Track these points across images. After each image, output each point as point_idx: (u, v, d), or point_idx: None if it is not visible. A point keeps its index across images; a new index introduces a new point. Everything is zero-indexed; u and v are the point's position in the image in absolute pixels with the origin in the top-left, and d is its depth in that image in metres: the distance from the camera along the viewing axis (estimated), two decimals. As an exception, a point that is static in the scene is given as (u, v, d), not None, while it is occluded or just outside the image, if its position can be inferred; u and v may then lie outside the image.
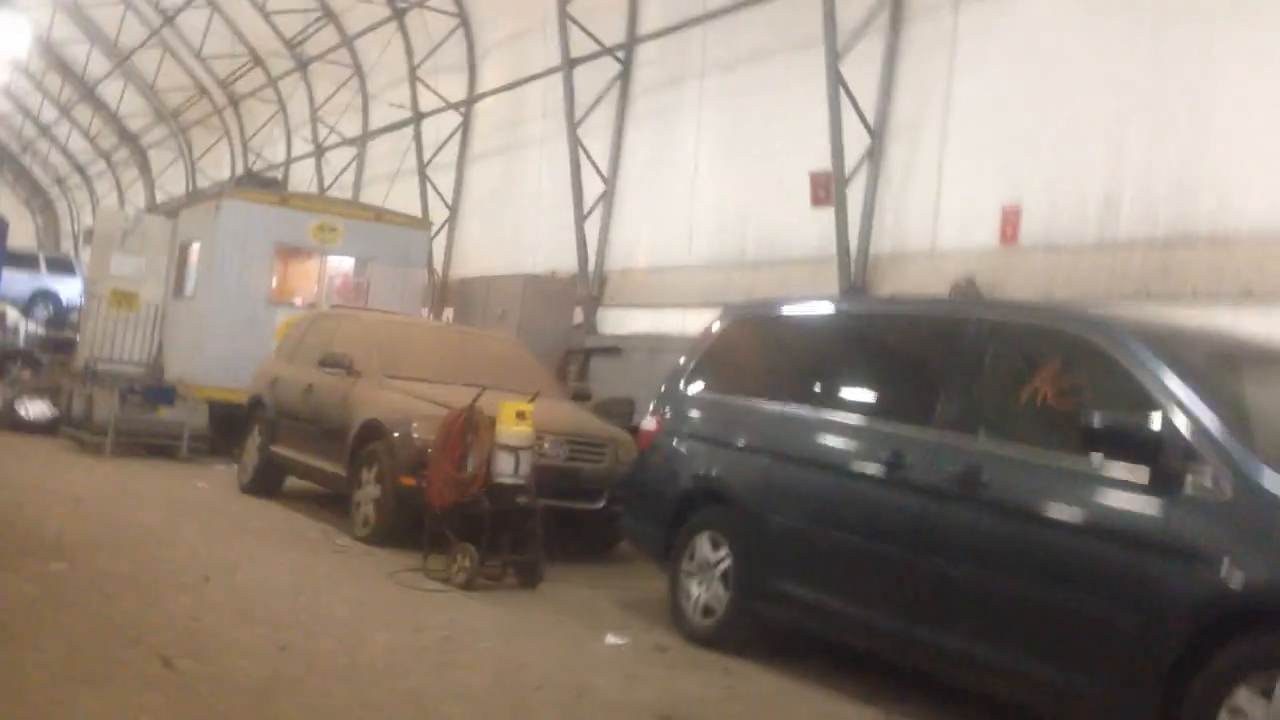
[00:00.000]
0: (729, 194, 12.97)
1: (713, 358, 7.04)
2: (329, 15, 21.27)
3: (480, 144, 18.35)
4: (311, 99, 22.59)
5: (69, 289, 30.90)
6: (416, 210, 18.00)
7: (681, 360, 7.40)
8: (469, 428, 7.64)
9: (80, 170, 39.36)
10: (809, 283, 11.65)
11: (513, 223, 17.14)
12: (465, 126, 18.53)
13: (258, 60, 24.81)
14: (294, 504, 10.44)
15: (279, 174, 25.76)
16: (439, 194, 18.70)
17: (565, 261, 15.56)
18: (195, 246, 15.82)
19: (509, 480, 7.52)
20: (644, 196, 14.47)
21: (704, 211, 13.37)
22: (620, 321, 14.61)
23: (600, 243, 14.89)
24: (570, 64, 14.88)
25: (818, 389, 6.03)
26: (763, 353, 6.81)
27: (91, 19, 28.63)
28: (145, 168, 34.88)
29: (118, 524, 8.50)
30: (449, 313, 16.64)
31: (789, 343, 6.57)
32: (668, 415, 7.11)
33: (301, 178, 25.29)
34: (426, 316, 15.56)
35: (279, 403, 10.78)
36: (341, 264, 15.88)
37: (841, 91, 10.84)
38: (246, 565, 7.39)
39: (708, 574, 6.37)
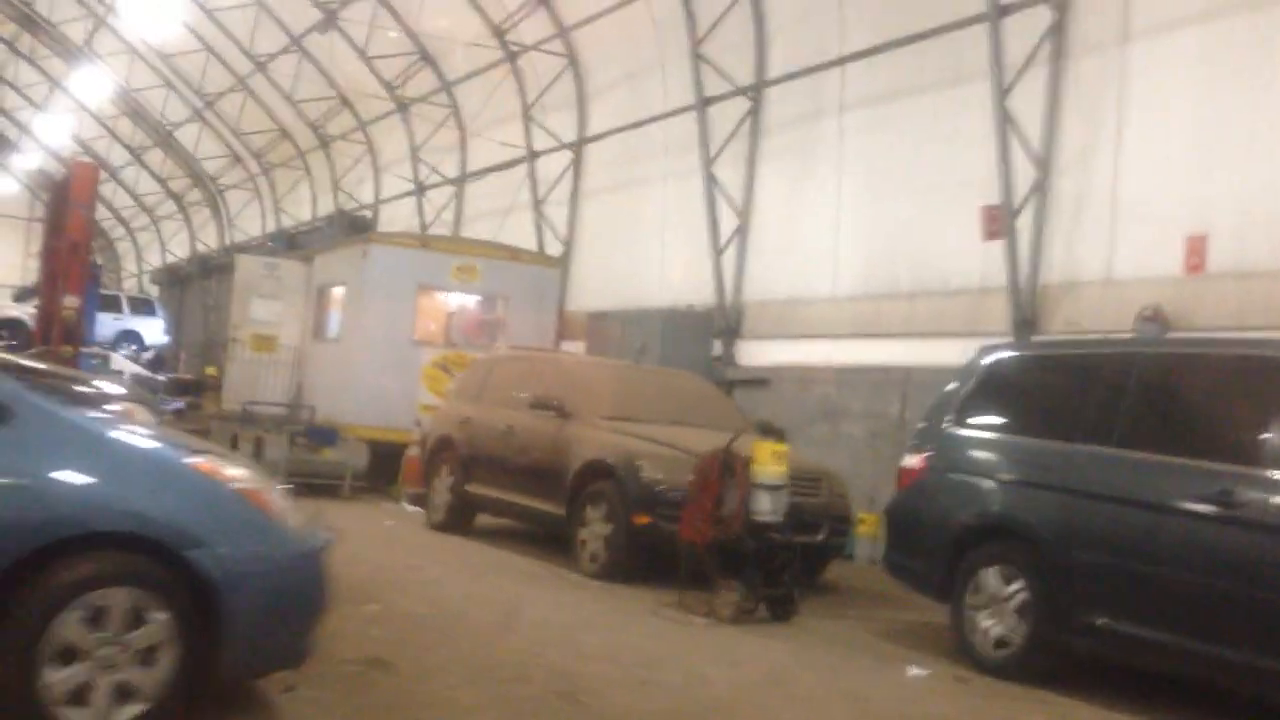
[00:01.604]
0: (877, 226, 13.25)
1: (980, 396, 7.29)
2: (427, 59, 21.72)
3: (593, 180, 18.70)
4: (412, 139, 23.00)
5: (151, 330, 31.56)
6: (530, 246, 18.37)
7: (941, 399, 7.65)
8: (726, 468, 7.93)
9: (148, 212, 40.01)
10: (970, 315, 11.92)
11: (633, 257, 17.44)
12: (577, 163, 18.89)
13: (346, 103, 25.29)
14: (491, 540, 10.76)
15: (369, 214, 26.34)
16: (552, 230, 19.05)
17: (692, 294, 15.85)
18: (337, 290, 16.26)
19: (768, 518, 7.83)
20: (780, 230, 14.76)
21: (849, 244, 13.65)
22: (759, 353, 14.89)
23: (736, 276, 15.19)
24: (704, 102, 15.22)
25: (1120, 427, 6.28)
26: (1045, 391, 7.08)
27: (175, 67, 29.23)
28: (217, 209, 35.49)
29: (366, 563, 8.82)
30: (574, 347, 16.96)
31: (1079, 382, 6.82)
32: (933, 453, 7.38)
33: (388, 217, 25.77)
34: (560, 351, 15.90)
35: (472, 443, 11.12)
36: (464, 302, 16.30)
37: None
38: (522, 604, 7.68)
39: (999, 607, 6.63)
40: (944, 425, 7.39)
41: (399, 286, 15.17)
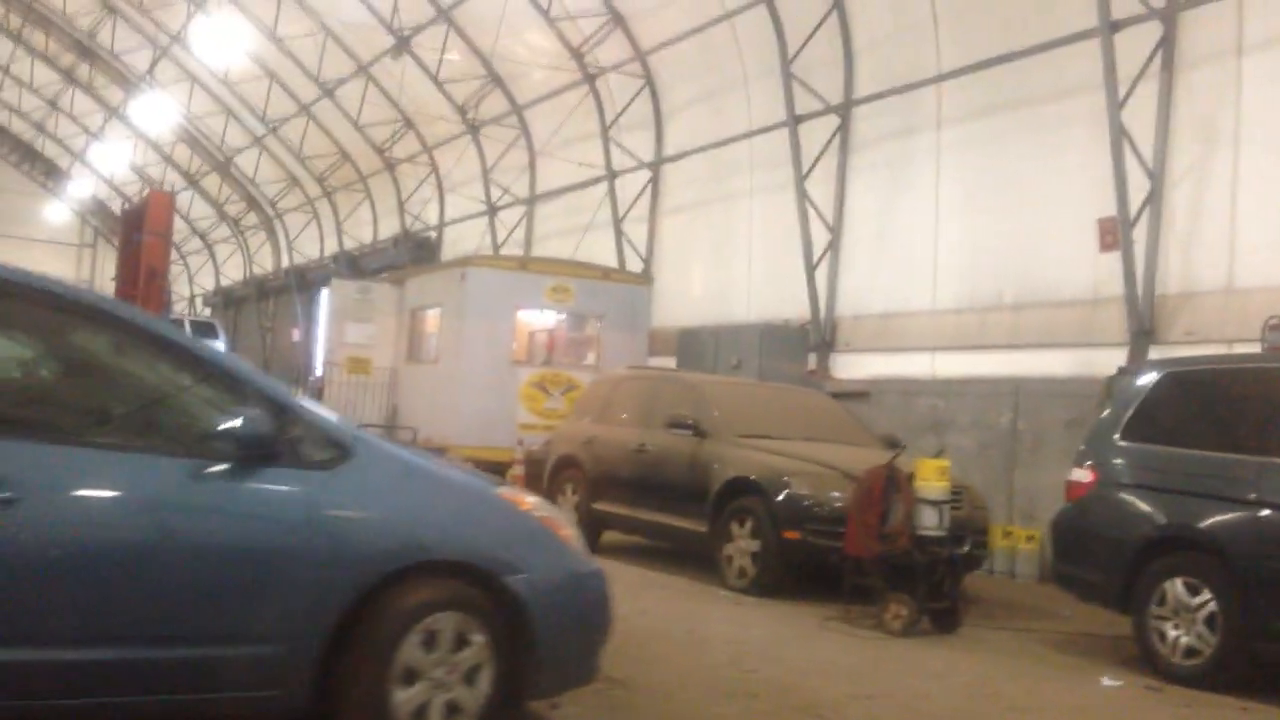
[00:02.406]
0: (979, 239, 13.42)
1: (1151, 411, 7.45)
2: (497, 81, 22.03)
3: (673, 198, 18.95)
4: (484, 161, 23.32)
5: (213, 353, 31.96)
6: (608, 264, 18.60)
7: (1106, 413, 7.81)
8: (890, 484, 8.13)
9: (201, 236, 40.53)
10: (1083, 326, 12.10)
11: (717, 273, 17.67)
12: (655, 181, 19.14)
13: (411, 126, 25.64)
14: (621, 557, 10.95)
15: (434, 235, 26.68)
16: (633, 248, 19.30)
17: (781, 309, 16.07)
18: (432, 313, 16.56)
19: (934, 532, 8.02)
20: (874, 244, 14.96)
21: (948, 256, 13.83)
22: (854, 366, 15.08)
23: (829, 290, 15.39)
24: (795, 120, 15.45)
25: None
26: (1223, 405, 7.25)
27: (238, 93, 29.67)
28: (274, 232, 35.93)
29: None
30: (663, 363, 17.16)
31: (1261, 395, 6.99)
32: (1102, 467, 7.55)
33: (453, 238, 26.09)
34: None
35: (599, 462, 11.34)
36: (559, 322, 16.56)
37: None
38: (695, 620, 7.88)
39: (1187, 618, 6.80)
40: (1114, 439, 7.55)
41: (496, 308, 15.46)
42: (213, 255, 40.95)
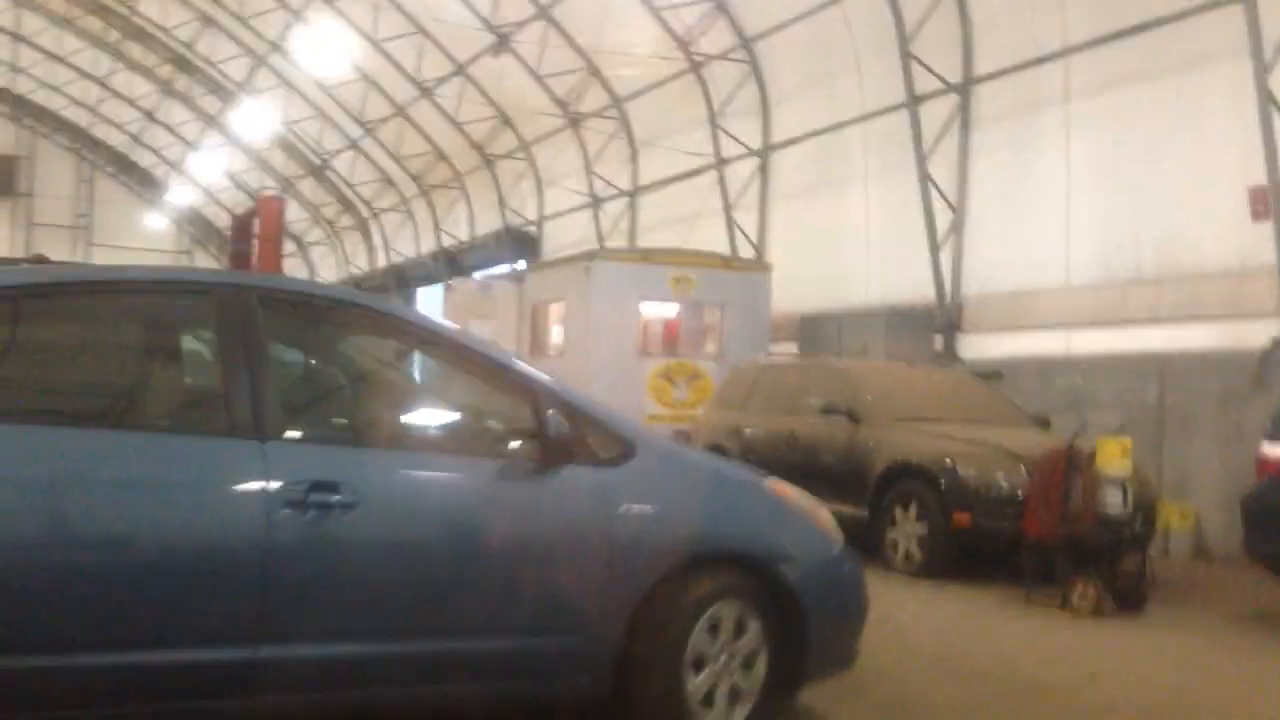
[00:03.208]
0: (1114, 213, 13.27)
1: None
2: (596, 74, 22.19)
3: (783, 183, 18.97)
4: (585, 153, 23.52)
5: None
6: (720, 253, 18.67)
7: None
8: (1071, 466, 8.13)
9: (295, 239, 41.32)
10: (1231, 298, 11.90)
11: (833, 257, 17.63)
12: (764, 168, 19.17)
13: (508, 122, 25.92)
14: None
15: (534, 230, 26.97)
16: (744, 235, 19.36)
17: (902, 292, 16.02)
18: (556, 307, 16.77)
19: (1117, 512, 8.01)
20: (1000, 222, 14.86)
21: (1081, 232, 13.69)
22: (982, 346, 14.99)
23: (954, 271, 15.33)
24: (915, 100, 15.39)
25: None
26: None
27: (334, 96, 30.20)
28: (368, 233, 36.56)
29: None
30: (783, 349, 17.21)
31: None
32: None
33: (552, 231, 26.35)
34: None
35: (749, 450, 11.42)
36: (683, 312, 16.67)
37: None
38: (877, 603, 7.95)
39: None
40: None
41: (621, 300, 15.59)
42: (307, 258, 41.76)
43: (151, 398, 3.91)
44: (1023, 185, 14.55)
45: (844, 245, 17.49)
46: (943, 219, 15.36)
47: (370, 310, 4.26)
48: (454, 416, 4.31)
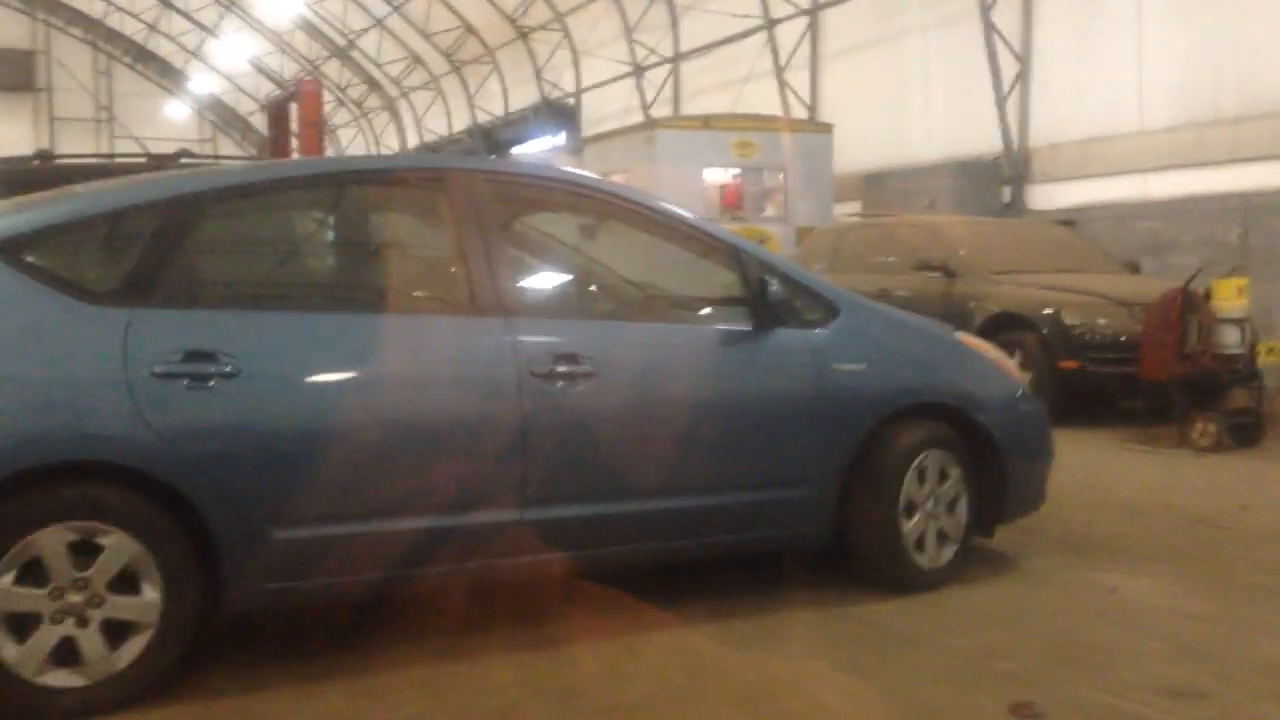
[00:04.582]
0: (1190, 52, 13.06)
1: None
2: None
3: (836, 41, 18.67)
4: (625, 20, 23.13)
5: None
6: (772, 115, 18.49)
7: None
8: (1187, 306, 8.23)
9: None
10: (1316, 134, 11.83)
11: (892, 114, 17.45)
12: (814, 26, 18.85)
13: (542, -9, 25.45)
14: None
15: (572, 101, 26.65)
16: (797, 96, 19.15)
17: (966, 145, 15.91)
18: (618, 178, 16.72)
19: (1234, 350, 8.14)
20: (1068, 69, 14.66)
21: (1155, 74, 13.51)
22: (1054, 196, 14.95)
23: (1020, 121, 15.19)
24: (978, -53, 15.06)
25: None
26: None
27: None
28: (396, 113, 36.21)
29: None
30: (848, 209, 17.18)
31: None
32: None
33: (591, 102, 26.04)
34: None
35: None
36: (745, 176, 16.63)
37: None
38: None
39: None
40: None
41: (684, 167, 15.55)
42: (335, 140, 41.44)
43: (405, 282, 4.04)
44: (1092, 29, 14.32)
45: (903, 101, 17.30)
46: (1007, 68, 15.16)
47: (589, 188, 4.35)
48: (674, 287, 4.44)
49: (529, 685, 3.58)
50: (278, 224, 4.02)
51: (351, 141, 40.58)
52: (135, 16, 40.17)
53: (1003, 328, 9.78)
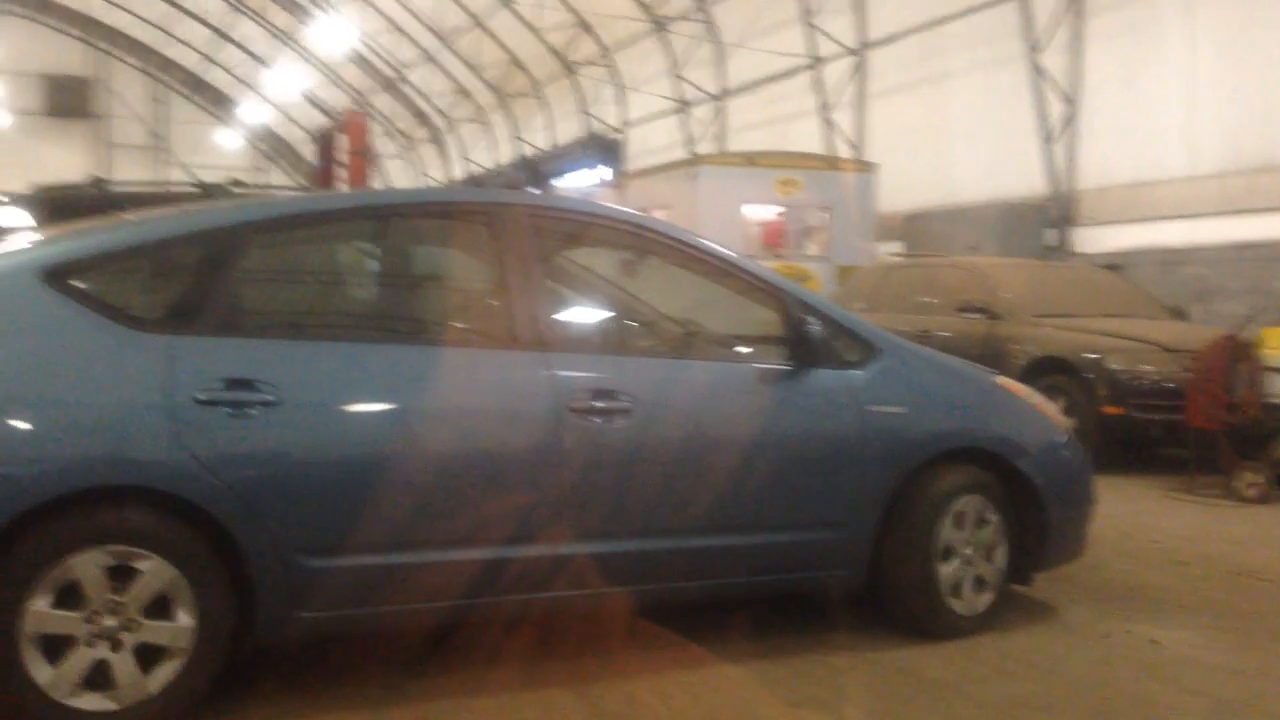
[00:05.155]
0: (1242, 98, 12.96)
1: None
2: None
3: (882, 81, 18.69)
4: (674, 56, 23.29)
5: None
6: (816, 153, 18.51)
7: None
8: (1235, 354, 8.11)
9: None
10: (1369, 180, 11.69)
11: (937, 154, 17.45)
12: (861, 66, 18.89)
13: (588, 28, 25.68)
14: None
15: (619, 137, 26.83)
16: (842, 135, 19.16)
17: (1011, 187, 15.85)
18: (659, 214, 16.78)
19: (1282, 400, 8.01)
20: (1117, 113, 14.58)
21: (1205, 120, 13.41)
22: (1100, 240, 14.84)
23: (1067, 164, 15.11)
24: (1027, -10, 15.07)
25: None
26: None
27: (409, 7, 30.05)
28: (443, 145, 36.60)
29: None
30: (890, 248, 17.13)
31: None
32: None
33: (637, 138, 26.19)
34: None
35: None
36: (788, 214, 16.64)
37: None
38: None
39: None
40: None
41: (727, 204, 15.58)
42: (382, 171, 41.94)
43: (447, 315, 4.07)
44: (1142, 73, 14.25)
45: (948, 142, 17.29)
46: (1055, 110, 15.11)
47: (632, 225, 4.37)
48: (713, 325, 4.44)
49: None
50: (321, 255, 4.07)
51: (399, 172, 41.04)
52: (190, 47, 40.99)
53: (1045, 372, 9.69)
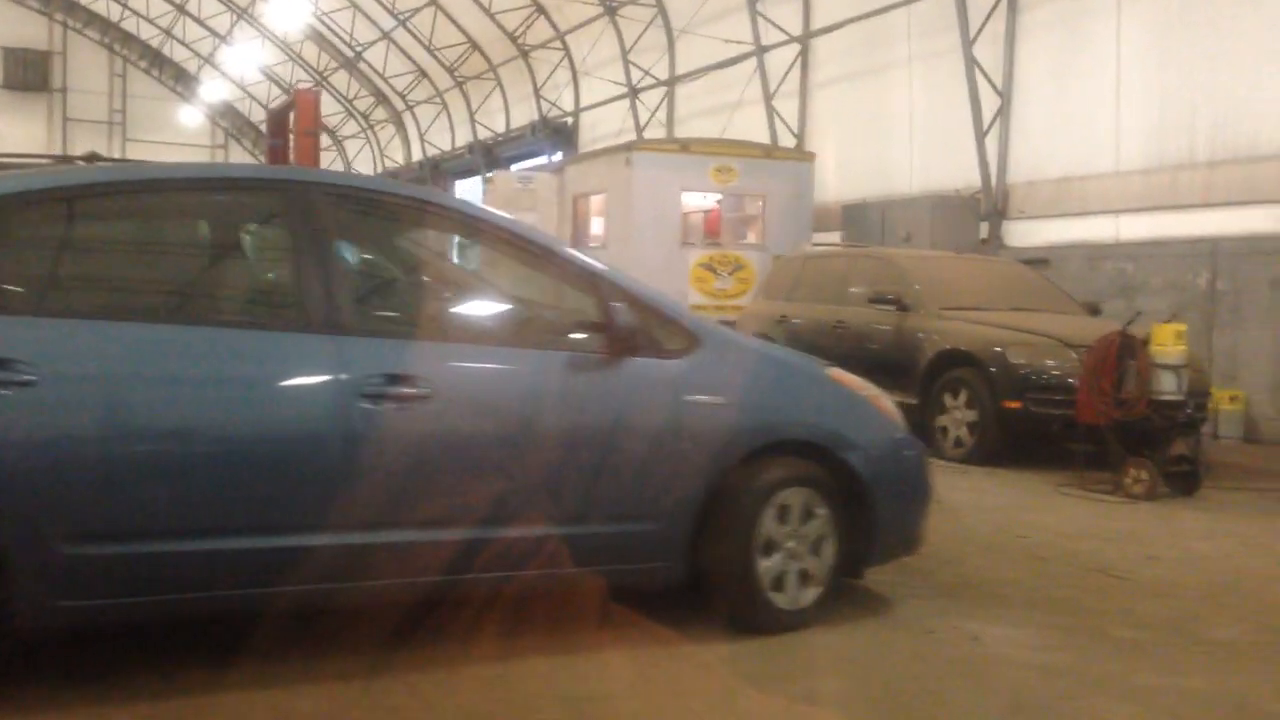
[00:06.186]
0: (1167, 96, 12.96)
1: None
2: (632, -41, 21.73)
3: (825, 71, 18.61)
4: (622, 42, 23.14)
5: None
6: (758, 141, 18.43)
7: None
8: (1125, 351, 8.11)
9: (331, 133, 41.09)
10: (1289, 179, 11.70)
11: (877, 145, 17.38)
12: (804, 55, 18.80)
13: (543, 10, 25.48)
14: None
15: (569, 121, 26.67)
16: (785, 124, 19.09)
17: (946, 179, 15.82)
18: (597, 199, 16.72)
19: (1172, 397, 8.01)
20: (1048, 107, 14.56)
21: (1133, 115, 13.40)
22: (1029, 234, 14.83)
23: (1000, 157, 15.09)
24: (963, -17, 15.00)
25: None
26: None
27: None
28: (402, 126, 36.29)
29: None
30: (827, 239, 17.09)
31: None
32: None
33: (589, 123, 26.04)
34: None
35: (794, 340, 11.40)
36: (724, 202, 16.59)
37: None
38: (948, 492, 8.02)
39: None
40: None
41: (662, 191, 15.53)
42: (343, 152, 41.60)
43: (230, 294, 3.97)
44: (1072, 68, 14.23)
45: (887, 133, 17.23)
46: (989, 104, 15.08)
47: (439, 207, 4.28)
48: (521, 310, 4.35)
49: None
50: (94, 230, 3.93)
51: (359, 153, 40.73)
52: (150, 21, 40.45)
53: (950, 364, 9.70)
